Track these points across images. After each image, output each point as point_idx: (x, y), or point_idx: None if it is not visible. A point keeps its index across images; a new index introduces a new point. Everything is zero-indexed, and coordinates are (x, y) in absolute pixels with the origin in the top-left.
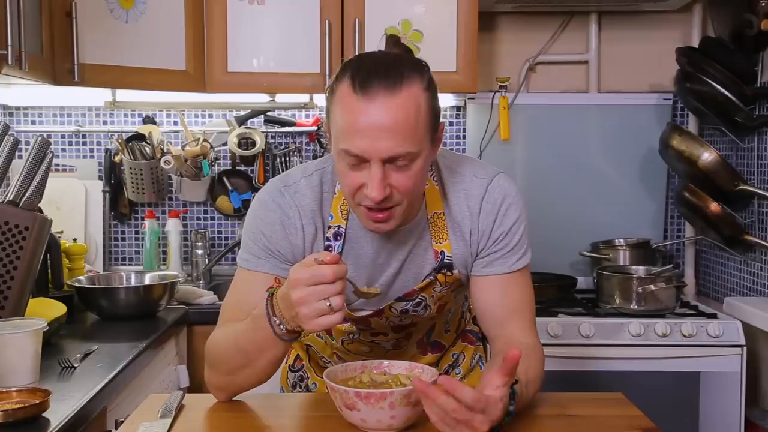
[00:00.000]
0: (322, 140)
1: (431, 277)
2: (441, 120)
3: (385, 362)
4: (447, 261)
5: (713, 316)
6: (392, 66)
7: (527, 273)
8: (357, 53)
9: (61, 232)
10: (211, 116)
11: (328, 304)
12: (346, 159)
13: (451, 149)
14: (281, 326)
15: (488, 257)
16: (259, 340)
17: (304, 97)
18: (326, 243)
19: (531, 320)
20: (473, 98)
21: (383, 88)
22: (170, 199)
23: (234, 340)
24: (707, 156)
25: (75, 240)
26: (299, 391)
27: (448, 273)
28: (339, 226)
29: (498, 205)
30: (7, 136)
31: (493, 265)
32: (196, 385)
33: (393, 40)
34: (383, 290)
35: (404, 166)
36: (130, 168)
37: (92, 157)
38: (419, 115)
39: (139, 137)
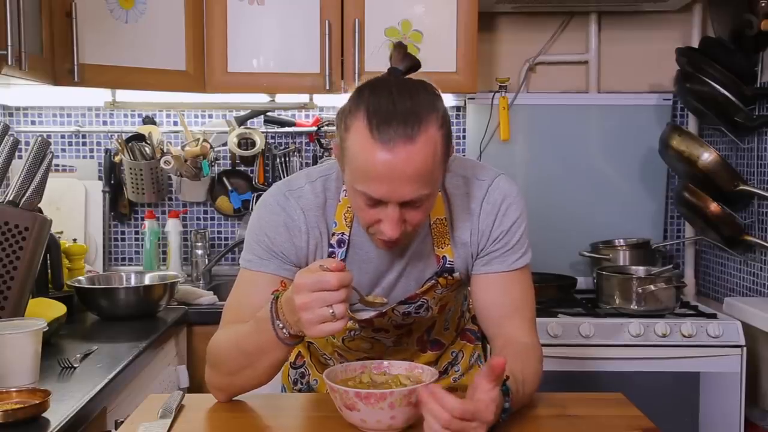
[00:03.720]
0: (322, 141)
1: (432, 281)
2: (452, 146)
3: (385, 362)
4: (448, 266)
5: (713, 316)
6: (409, 107)
7: (527, 273)
8: (369, 80)
9: (61, 233)
10: (211, 116)
11: (331, 311)
12: (362, 198)
13: None
14: (284, 330)
15: (488, 256)
16: (262, 343)
17: (303, 98)
18: (330, 249)
19: (530, 320)
20: (473, 98)
21: (402, 136)
22: (170, 199)
23: (236, 341)
24: (707, 156)
25: (75, 240)
26: (300, 388)
27: (449, 277)
28: (342, 234)
29: (498, 205)
30: (7, 136)
31: (493, 264)
32: (196, 385)
33: (401, 52)
34: (385, 294)
35: (419, 205)
36: (130, 168)
37: (92, 157)
38: (436, 157)
39: (139, 137)
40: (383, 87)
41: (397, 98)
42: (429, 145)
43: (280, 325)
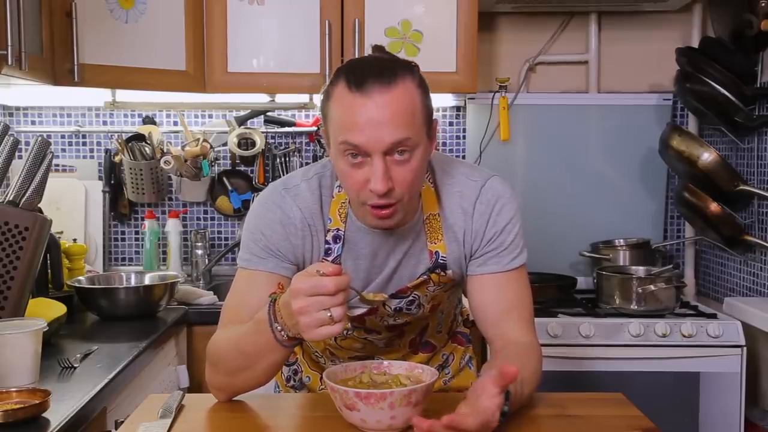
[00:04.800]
0: (322, 140)
1: (425, 276)
2: (434, 119)
3: (385, 362)
4: (441, 261)
5: (713, 316)
6: (385, 64)
7: (524, 273)
8: (351, 58)
9: (61, 232)
10: (211, 116)
11: (328, 314)
12: (346, 154)
13: (451, 150)
14: (282, 332)
15: (482, 257)
16: (261, 344)
17: (303, 98)
18: (326, 246)
19: (528, 319)
20: (473, 98)
21: (378, 84)
22: (170, 199)
23: (235, 342)
24: (707, 156)
25: (75, 240)
26: (293, 384)
27: (442, 273)
28: (338, 229)
29: (491, 206)
30: (7, 136)
31: (488, 264)
32: (196, 385)
33: (378, 48)
34: (379, 290)
35: (404, 160)
36: (130, 168)
37: (92, 157)
38: (414, 106)
39: (139, 137)
40: (359, 58)
41: (372, 60)
42: (405, 94)
43: (279, 328)
